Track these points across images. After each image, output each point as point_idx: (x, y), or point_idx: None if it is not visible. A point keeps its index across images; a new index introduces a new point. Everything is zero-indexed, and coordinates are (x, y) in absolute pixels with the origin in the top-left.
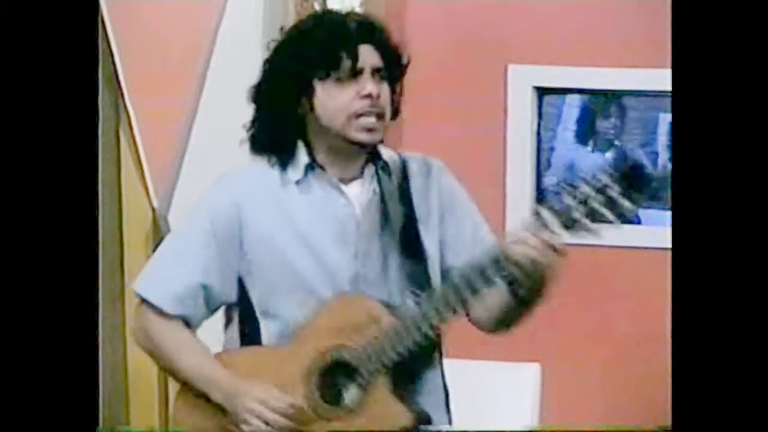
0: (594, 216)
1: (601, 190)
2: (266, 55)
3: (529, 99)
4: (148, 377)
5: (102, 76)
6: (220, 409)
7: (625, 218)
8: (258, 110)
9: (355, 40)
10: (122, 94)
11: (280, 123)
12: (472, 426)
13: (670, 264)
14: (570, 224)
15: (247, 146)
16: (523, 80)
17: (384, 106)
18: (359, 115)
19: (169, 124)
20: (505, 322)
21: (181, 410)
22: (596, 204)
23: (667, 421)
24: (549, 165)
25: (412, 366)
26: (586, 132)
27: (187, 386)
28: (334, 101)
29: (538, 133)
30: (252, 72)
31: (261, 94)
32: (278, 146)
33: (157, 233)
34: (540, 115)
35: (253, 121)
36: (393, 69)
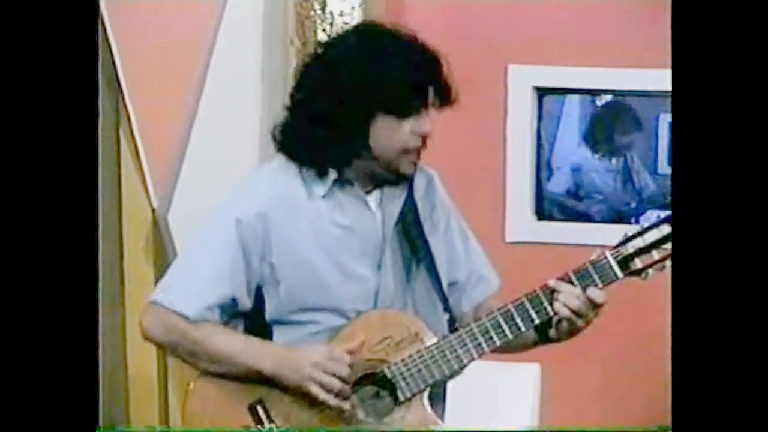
0: (650, 264)
1: (657, 241)
2: (313, 61)
3: (529, 99)
4: (148, 377)
5: (102, 76)
6: (243, 395)
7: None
8: (298, 118)
9: (427, 81)
10: (122, 94)
11: (323, 141)
12: (472, 426)
13: (670, 264)
14: (629, 272)
15: (250, 144)
16: (523, 80)
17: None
18: (410, 151)
19: (169, 124)
20: (517, 350)
21: (195, 402)
22: (653, 253)
23: (667, 421)
24: (549, 165)
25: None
26: (586, 132)
27: (204, 376)
28: (393, 135)
29: (538, 133)
30: (252, 72)
31: (310, 109)
32: (313, 162)
33: (157, 233)
34: (540, 115)
35: (293, 128)
36: (443, 104)
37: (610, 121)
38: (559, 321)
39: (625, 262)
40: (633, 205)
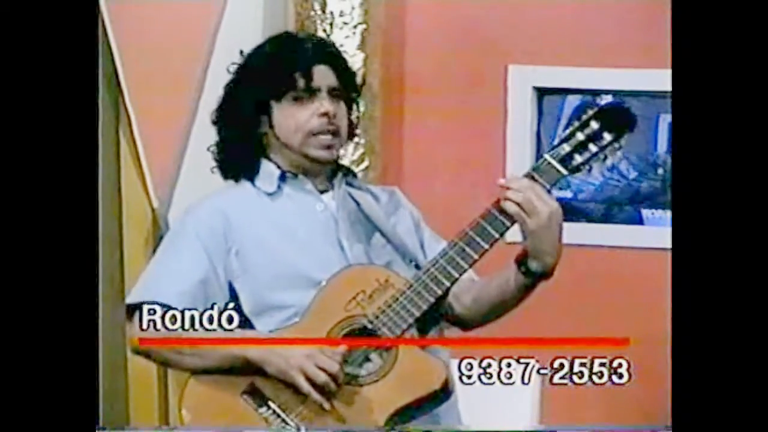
0: (589, 157)
1: (590, 136)
2: (227, 78)
3: (529, 99)
4: (148, 377)
5: (102, 76)
6: (234, 387)
7: (612, 153)
8: (220, 133)
9: (310, 60)
10: (122, 94)
11: (242, 144)
12: (472, 426)
13: (670, 264)
14: (573, 168)
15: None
16: (523, 80)
17: (340, 124)
18: (316, 133)
19: (169, 124)
20: (515, 302)
21: (189, 403)
22: (590, 146)
23: (667, 421)
24: None
25: (428, 325)
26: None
27: (193, 379)
28: (292, 120)
29: (538, 133)
30: None
31: (222, 118)
32: (243, 167)
33: (157, 233)
34: (540, 115)
35: (218, 145)
36: (349, 89)
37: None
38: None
39: (565, 160)
40: (632, 205)
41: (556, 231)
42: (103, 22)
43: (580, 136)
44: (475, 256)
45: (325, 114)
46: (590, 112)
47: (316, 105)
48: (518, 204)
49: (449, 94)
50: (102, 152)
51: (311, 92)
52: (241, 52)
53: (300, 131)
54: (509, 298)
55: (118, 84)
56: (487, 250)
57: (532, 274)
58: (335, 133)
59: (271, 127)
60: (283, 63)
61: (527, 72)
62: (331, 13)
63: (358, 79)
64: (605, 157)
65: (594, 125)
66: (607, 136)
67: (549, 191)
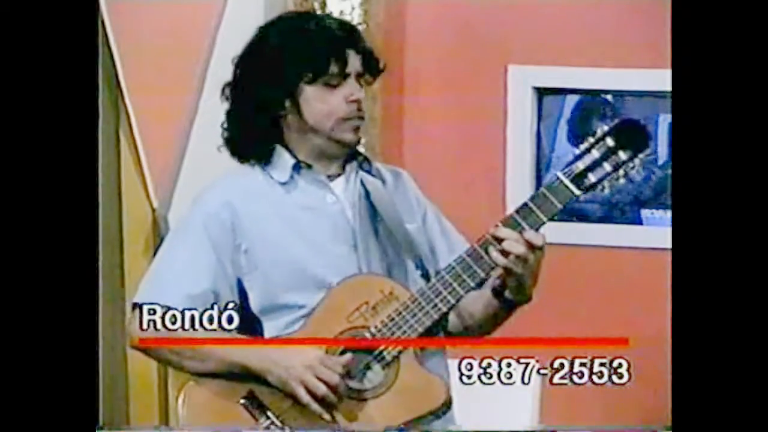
0: (603, 177)
1: (605, 154)
2: (239, 54)
3: (529, 99)
4: (148, 377)
5: (102, 76)
6: (233, 393)
7: (626, 172)
8: (235, 111)
9: (343, 45)
10: (122, 94)
11: (259, 126)
12: (472, 426)
13: (670, 264)
14: (585, 188)
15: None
16: (523, 80)
17: (364, 109)
18: (346, 119)
19: (169, 124)
20: (485, 327)
21: (187, 408)
22: (605, 165)
23: (667, 421)
24: (549, 165)
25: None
26: (586, 132)
27: (192, 383)
28: (324, 105)
29: (538, 133)
30: None
31: (239, 95)
32: (258, 150)
33: (157, 233)
34: (540, 115)
35: (230, 123)
36: (372, 74)
37: (609, 122)
38: (507, 274)
39: (578, 179)
40: (632, 205)
41: (537, 265)
42: (103, 22)
43: (595, 153)
44: (482, 274)
45: (356, 101)
46: (606, 128)
47: (347, 90)
48: (510, 256)
49: (449, 94)
50: (102, 152)
51: (343, 77)
52: (258, 28)
53: (332, 116)
54: (497, 313)
55: (118, 84)
56: (494, 268)
57: (511, 303)
58: (362, 118)
59: (297, 110)
60: (317, 47)
61: (527, 72)
62: (331, 13)
63: (381, 64)
64: (618, 177)
65: (609, 142)
66: (623, 155)
67: (563, 209)
